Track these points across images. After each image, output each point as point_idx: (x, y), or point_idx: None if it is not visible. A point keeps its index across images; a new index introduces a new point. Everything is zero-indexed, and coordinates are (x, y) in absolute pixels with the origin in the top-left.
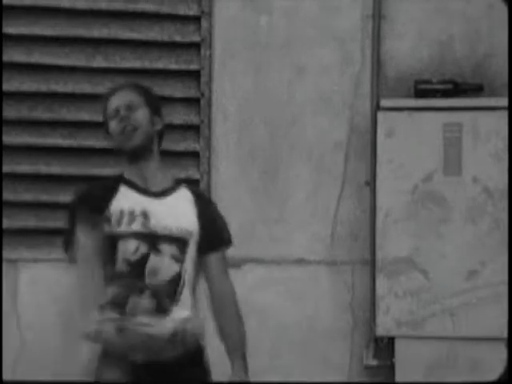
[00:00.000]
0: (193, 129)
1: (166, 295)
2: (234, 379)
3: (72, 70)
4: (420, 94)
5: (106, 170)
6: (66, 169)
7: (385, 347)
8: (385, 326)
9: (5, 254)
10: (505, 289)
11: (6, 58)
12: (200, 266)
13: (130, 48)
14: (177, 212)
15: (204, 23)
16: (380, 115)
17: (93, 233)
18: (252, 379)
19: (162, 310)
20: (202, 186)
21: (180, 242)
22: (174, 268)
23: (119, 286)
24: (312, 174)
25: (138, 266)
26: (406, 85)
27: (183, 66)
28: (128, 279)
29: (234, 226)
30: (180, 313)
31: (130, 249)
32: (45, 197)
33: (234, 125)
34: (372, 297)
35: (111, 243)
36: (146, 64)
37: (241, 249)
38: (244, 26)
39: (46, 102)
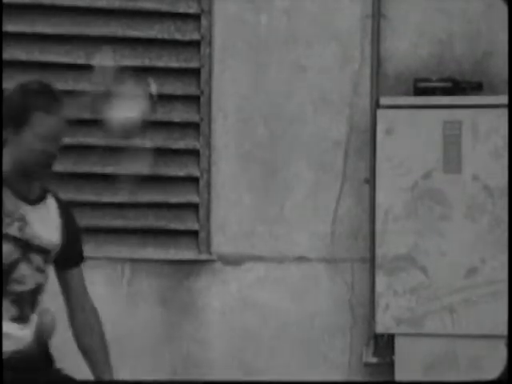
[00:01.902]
0: (193, 127)
1: (28, 303)
2: None
3: (72, 67)
4: (419, 92)
5: (107, 168)
6: (66, 167)
7: (384, 345)
8: (384, 323)
9: None
10: (504, 286)
11: (6, 55)
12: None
13: (130, 46)
14: (46, 221)
15: (204, 21)
16: (380, 113)
17: None
18: (252, 377)
19: (23, 317)
20: (202, 184)
21: (45, 252)
22: (38, 278)
23: None
24: (312, 172)
25: (7, 272)
26: (405, 83)
27: (183, 64)
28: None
29: (233, 224)
30: (35, 320)
31: (6, 250)
32: None
33: (233, 123)
34: (372, 294)
35: None
36: (146, 62)
37: (241, 247)
38: (244, 24)
39: None
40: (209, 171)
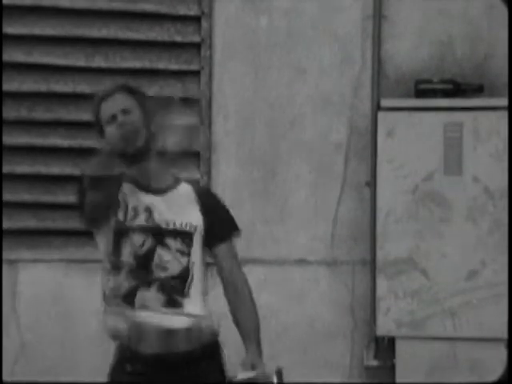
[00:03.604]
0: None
1: (176, 289)
2: (246, 362)
3: (72, 70)
4: (420, 94)
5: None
6: (66, 169)
7: (385, 347)
8: (385, 326)
9: (5, 255)
10: (505, 289)
11: (5, 57)
12: (209, 259)
13: (129, 48)
14: (179, 207)
15: (204, 23)
16: (380, 115)
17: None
18: None
19: (172, 303)
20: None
21: (184, 235)
22: (182, 262)
23: (126, 278)
24: (312, 175)
25: (145, 260)
26: (406, 85)
27: (183, 67)
28: (135, 272)
29: None
30: (192, 307)
31: (136, 242)
32: (44, 197)
33: (234, 125)
34: (372, 297)
35: (116, 235)
36: (146, 64)
37: (241, 249)
38: (244, 26)
39: (46, 102)
40: (209, 174)
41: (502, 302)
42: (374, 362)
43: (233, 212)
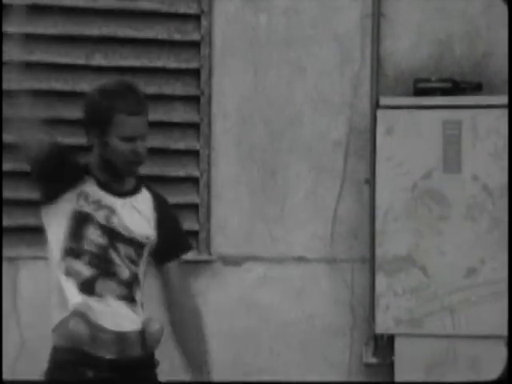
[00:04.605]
0: (192, 127)
1: (124, 294)
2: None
3: (72, 68)
4: (419, 92)
5: None
6: None
7: (384, 345)
8: (384, 323)
9: (5, 252)
10: (504, 286)
11: (5, 56)
12: (156, 274)
13: (129, 46)
14: (137, 215)
15: (204, 22)
16: (379, 113)
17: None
18: (252, 377)
19: (131, 298)
20: (202, 184)
21: (138, 245)
22: (131, 269)
23: (87, 264)
24: (311, 172)
25: (106, 252)
26: (405, 83)
27: (183, 65)
28: (96, 261)
29: (233, 225)
30: (140, 312)
31: (97, 233)
32: None
33: (233, 123)
34: (371, 295)
35: (77, 221)
36: (146, 62)
37: (240, 247)
38: (243, 24)
39: (46, 100)
40: (209, 171)
41: (501, 299)
42: (373, 360)
43: (232, 210)
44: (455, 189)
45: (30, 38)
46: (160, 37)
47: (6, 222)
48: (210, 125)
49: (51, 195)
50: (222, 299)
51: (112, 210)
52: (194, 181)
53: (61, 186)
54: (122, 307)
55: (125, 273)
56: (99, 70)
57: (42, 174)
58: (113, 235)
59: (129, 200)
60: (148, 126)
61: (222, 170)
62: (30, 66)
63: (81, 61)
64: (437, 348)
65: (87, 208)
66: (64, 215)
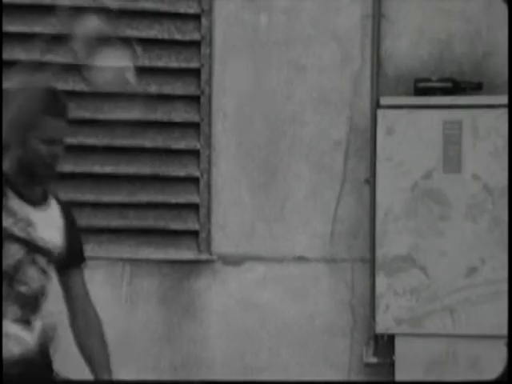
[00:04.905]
0: (193, 127)
1: (31, 306)
2: None
3: (72, 68)
4: (419, 92)
5: (107, 167)
6: (66, 167)
7: (384, 345)
8: (384, 323)
9: None
10: (505, 286)
11: (5, 55)
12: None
13: (130, 46)
14: (49, 223)
15: (204, 21)
16: (380, 113)
17: None
18: (252, 377)
19: (26, 319)
20: (202, 184)
21: (49, 254)
22: (42, 280)
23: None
24: (312, 172)
25: (14, 272)
26: (405, 83)
27: (183, 64)
28: (5, 282)
29: (233, 224)
30: (39, 322)
31: (12, 250)
32: None
33: (234, 123)
34: (372, 294)
35: (5, 236)
36: (146, 62)
37: (241, 247)
38: (244, 24)
39: None
40: (209, 171)
41: (501, 299)
42: (374, 359)
43: (233, 210)
44: (455, 189)
45: (30, 38)
46: (160, 36)
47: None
48: (210, 124)
49: None
50: (222, 299)
51: (29, 221)
52: (194, 180)
53: None
54: (18, 330)
55: (36, 284)
56: None
57: None
58: (31, 247)
59: (41, 209)
60: (68, 130)
61: (223, 170)
62: (29, 66)
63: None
64: (437, 348)
65: (6, 223)
66: None
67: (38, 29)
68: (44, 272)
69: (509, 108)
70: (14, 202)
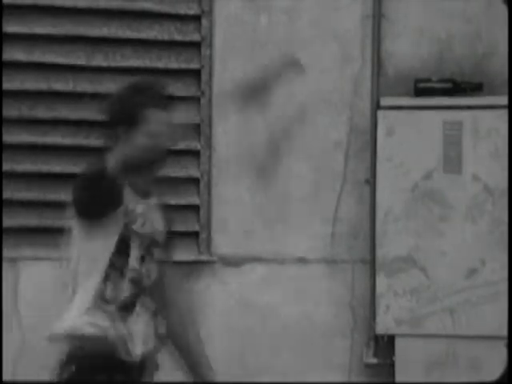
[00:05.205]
0: (193, 128)
1: (153, 296)
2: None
3: (72, 68)
4: (420, 92)
5: None
6: (67, 167)
7: (385, 345)
8: (385, 324)
9: (5, 253)
10: (505, 287)
11: (6, 56)
12: None
13: (130, 47)
14: (157, 215)
15: (204, 22)
16: (380, 114)
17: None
18: (252, 377)
19: (155, 311)
20: (203, 185)
21: (161, 245)
22: (157, 270)
23: (128, 285)
24: (312, 173)
25: (141, 268)
26: (405, 84)
27: (183, 65)
28: (136, 279)
29: (234, 225)
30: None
31: (138, 248)
32: (45, 195)
33: (234, 124)
34: (372, 295)
35: (123, 239)
36: (147, 63)
37: (241, 247)
38: (244, 25)
39: (47, 100)
40: (209, 172)
41: (501, 300)
42: (374, 360)
43: (233, 211)
44: (456, 189)
45: (31, 39)
46: (160, 37)
47: (6, 223)
48: (210, 125)
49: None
50: (223, 300)
51: (144, 215)
52: (194, 181)
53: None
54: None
55: (155, 276)
56: (99, 70)
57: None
58: (150, 241)
59: (151, 202)
60: (171, 123)
61: (223, 171)
62: (30, 67)
63: (81, 61)
64: (437, 348)
65: (126, 219)
66: (113, 231)
67: (38, 29)
68: (158, 262)
69: (509, 108)
70: (131, 199)
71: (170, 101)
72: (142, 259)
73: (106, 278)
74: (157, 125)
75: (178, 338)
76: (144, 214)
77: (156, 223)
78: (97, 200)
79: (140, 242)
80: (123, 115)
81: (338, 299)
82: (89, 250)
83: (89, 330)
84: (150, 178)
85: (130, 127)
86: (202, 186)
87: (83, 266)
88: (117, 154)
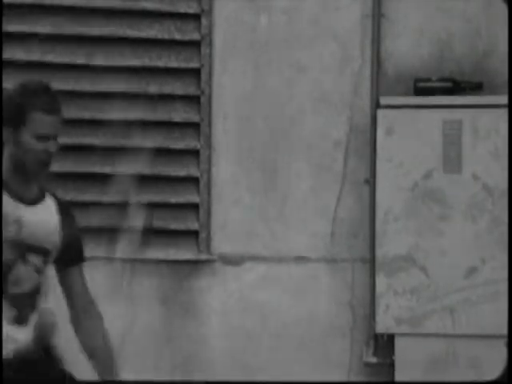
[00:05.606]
0: (193, 127)
1: (27, 305)
2: None
3: (72, 67)
4: (419, 91)
5: (107, 168)
6: (66, 167)
7: (384, 344)
8: (384, 323)
9: None
10: (504, 286)
11: (6, 55)
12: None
13: (129, 46)
14: (45, 221)
15: (204, 21)
16: (380, 113)
17: None
18: (252, 377)
19: (22, 319)
20: (202, 184)
21: (45, 252)
22: (35, 279)
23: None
24: (312, 172)
25: (4, 273)
26: (405, 83)
27: (183, 64)
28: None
29: (233, 224)
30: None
31: (5, 254)
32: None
33: (234, 123)
34: (372, 294)
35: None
36: (146, 62)
37: (241, 246)
38: (244, 24)
39: None
40: (209, 171)
41: (501, 299)
42: (374, 359)
43: (233, 210)
44: (455, 189)
45: (30, 38)
46: (160, 36)
47: None
48: (210, 124)
49: None
50: (222, 299)
51: (21, 221)
52: (194, 181)
53: None
54: (13, 330)
55: (30, 284)
56: (99, 69)
57: None
58: (23, 247)
59: (36, 207)
60: (61, 127)
61: (223, 170)
62: (30, 66)
63: (81, 60)
64: (437, 348)
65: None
66: None
67: (38, 29)
68: (39, 271)
69: (509, 108)
70: (8, 204)
71: (59, 104)
72: (11, 266)
73: None
74: (42, 128)
75: (87, 345)
76: (19, 219)
77: (38, 230)
78: None
79: (9, 247)
80: (10, 116)
81: (338, 298)
82: None
83: None
84: (37, 183)
85: (17, 129)
86: (201, 185)
87: None
88: (6, 154)
